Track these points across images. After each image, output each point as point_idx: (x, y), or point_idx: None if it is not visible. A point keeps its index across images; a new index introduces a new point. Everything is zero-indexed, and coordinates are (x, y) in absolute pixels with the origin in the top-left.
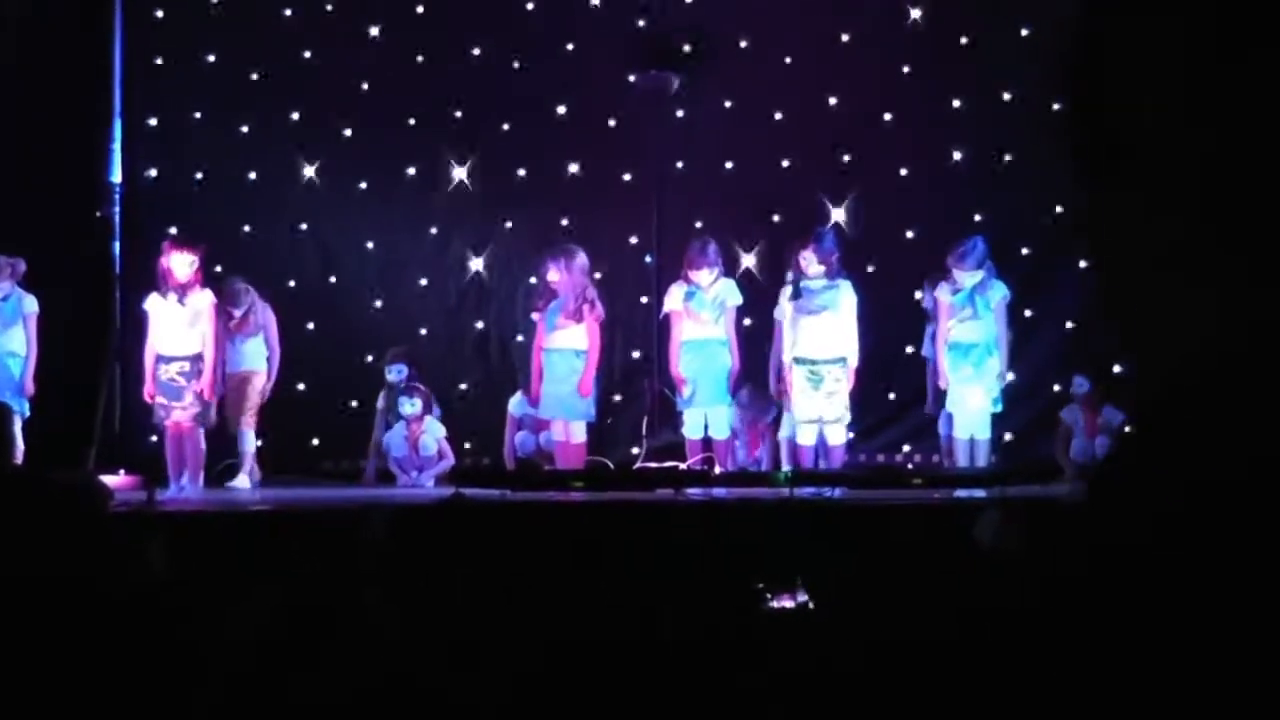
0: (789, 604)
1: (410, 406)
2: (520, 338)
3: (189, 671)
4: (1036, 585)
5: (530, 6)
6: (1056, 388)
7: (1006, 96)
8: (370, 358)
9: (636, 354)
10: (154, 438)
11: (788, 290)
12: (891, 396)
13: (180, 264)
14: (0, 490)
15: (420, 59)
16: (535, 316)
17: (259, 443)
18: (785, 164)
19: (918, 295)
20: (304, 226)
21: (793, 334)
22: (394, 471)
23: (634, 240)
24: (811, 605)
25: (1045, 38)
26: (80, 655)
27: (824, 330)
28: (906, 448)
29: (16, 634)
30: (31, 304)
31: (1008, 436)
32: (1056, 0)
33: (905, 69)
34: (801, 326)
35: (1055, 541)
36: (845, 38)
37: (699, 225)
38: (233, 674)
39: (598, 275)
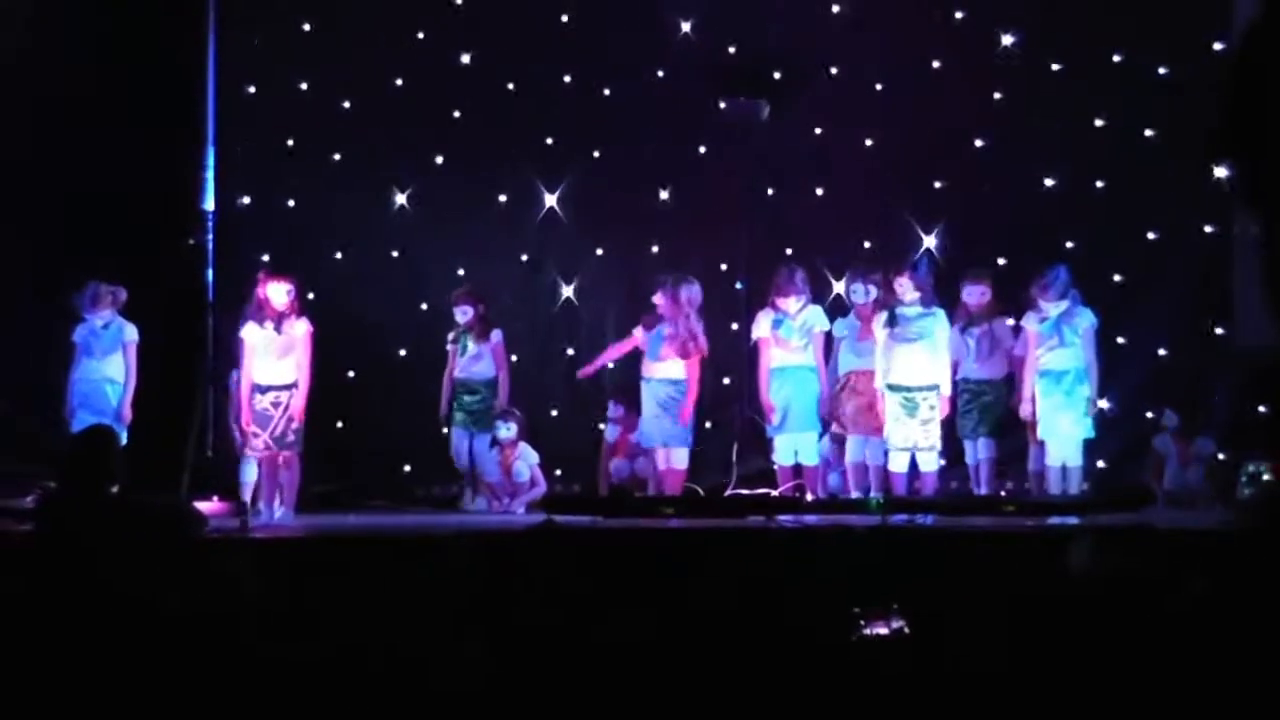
0: (883, 631)
1: (505, 431)
2: (612, 365)
3: (276, 691)
4: (1146, 611)
5: (620, 34)
6: (1149, 414)
7: (1099, 123)
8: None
9: (726, 380)
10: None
11: (882, 317)
12: None
13: (276, 293)
14: (100, 513)
15: (511, 86)
16: (637, 333)
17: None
18: (875, 191)
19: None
20: (395, 254)
21: (886, 361)
22: (486, 497)
23: (724, 267)
24: (905, 632)
25: (1138, 64)
26: (171, 674)
27: (918, 358)
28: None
29: (113, 652)
30: (132, 332)
31: (1100, 464)
32: (1149, 26)
33: (996, 95)
34: (896, 354)
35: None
36: (936, 64)
37: (789, 252)
38: (320, 693)
39: (699, 309)
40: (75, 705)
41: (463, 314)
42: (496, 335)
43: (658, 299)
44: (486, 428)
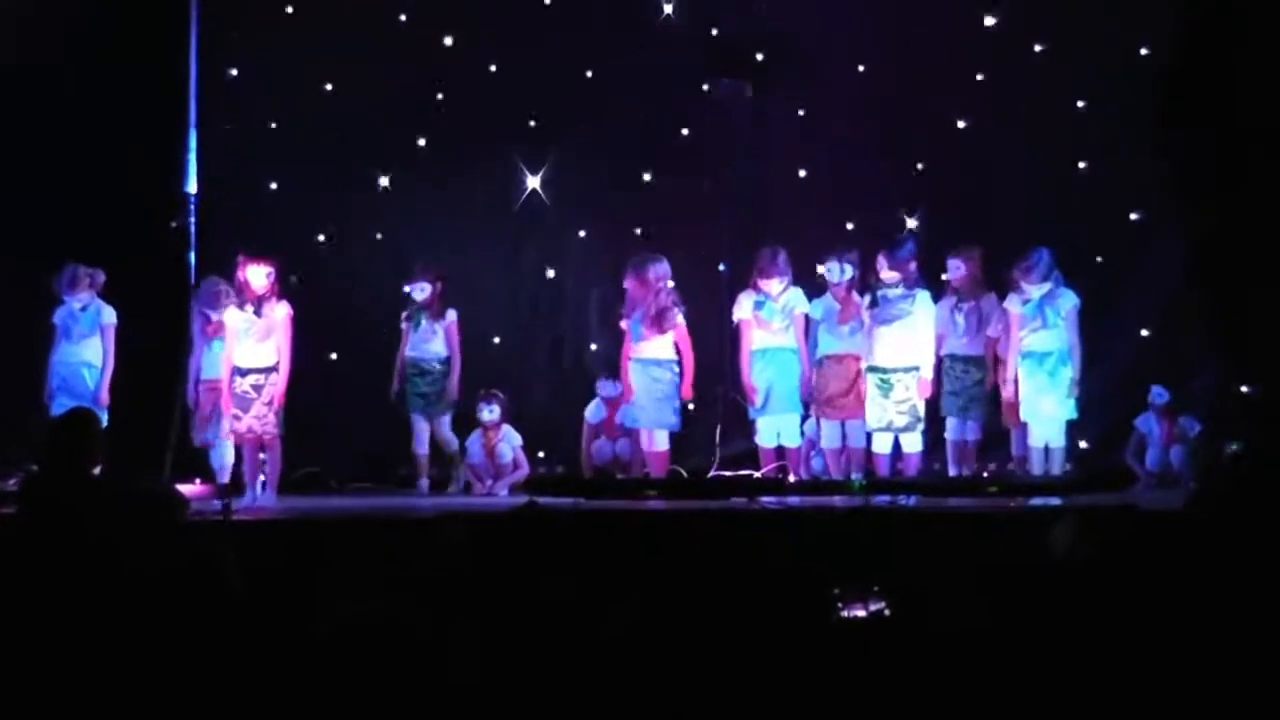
0: (863, 612)
1: (488, 413)
2: (595, 346)
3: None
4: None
5: (603, 16)
6: (1132, 396)
7: (1081, 104)
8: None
9: (708, 362)
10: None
11: (866, 299)
12: None
13: (256, 276)
14: (82, 496)
15: (493, 68)
16: (622, 325)
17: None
18: (858, 172)
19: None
20: (378, 236)
21: (868, 342)
22: (469, 479)
23: (707, 249)
24: (886, 613)
25: (1122, 46)
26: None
27: (898, 339)
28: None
29: (96, 635)
30: (110, 315)
31: (1083, 445)
32: (1134, 8)
33: (979, 76)
34: (877, 335)
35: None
36: (919, 45)
37: (771, 234)
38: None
39: (670, 284)
40: (59, 687)
41: (420, 290)
42: (452, 314)
43: (628, 283)
44: (445, 409)
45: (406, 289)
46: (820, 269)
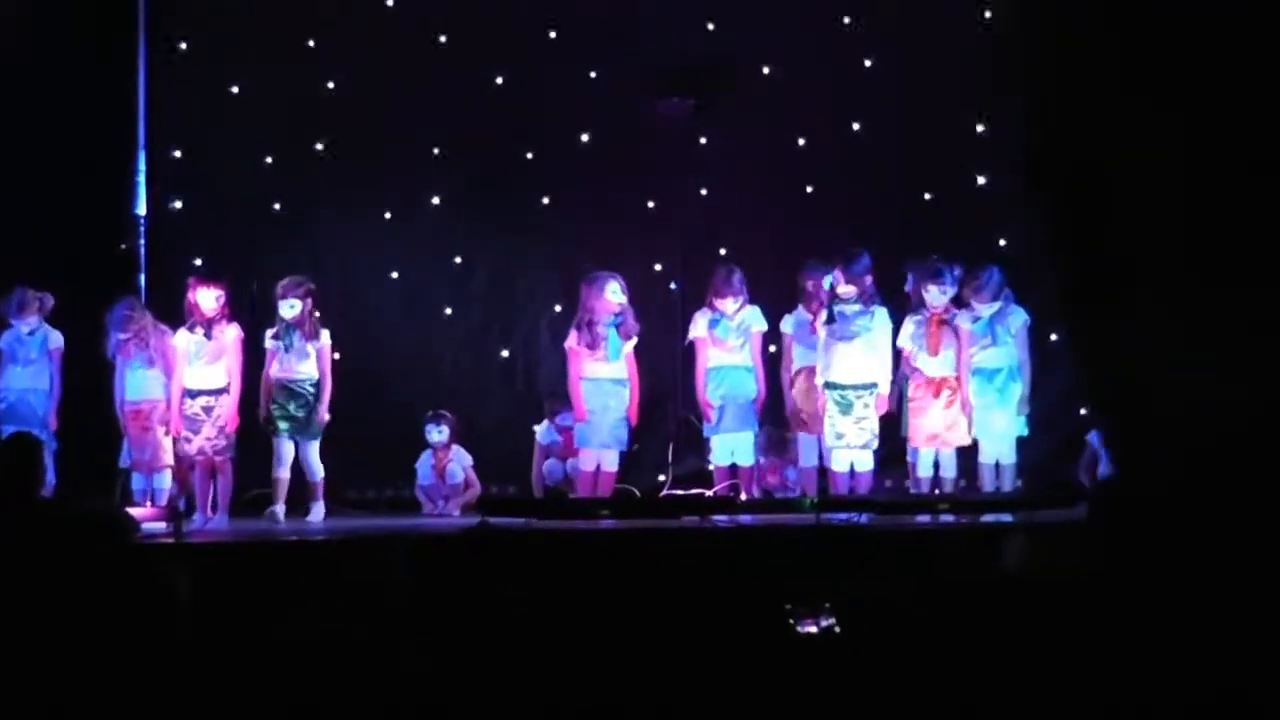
0: (815, 629)
1: (438, 434)
2: (545, 366)
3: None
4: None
5: (552, 35)
6: (1083, 411)
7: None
8: (395, 387)
9: (661, 381)
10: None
11: (823, 315)
12: None
13: (206, 298)
14: (28, 520)
15: (443, 88)
16: (568, 346)
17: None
18: (809, 189)
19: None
20: (328, 257)
21: (826, 358)
22: (420, 500)
23: (658, 267)
24: (838, 630)
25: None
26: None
27: (856, 356)
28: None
29: (41, 658)
30: (57, 340)
31: (1033, 461)
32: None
33: (927, 93)
34: (834, 351)
35: (1062, 561)
36: (868, 63)
37: (723, 252)
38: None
39: (621, 301)
40: (9, 709)
41: (290, 308)
42: (325, 336)
43: (587, 300)
44: (313, 435)
45: (278, 303)
46: (808, 283)
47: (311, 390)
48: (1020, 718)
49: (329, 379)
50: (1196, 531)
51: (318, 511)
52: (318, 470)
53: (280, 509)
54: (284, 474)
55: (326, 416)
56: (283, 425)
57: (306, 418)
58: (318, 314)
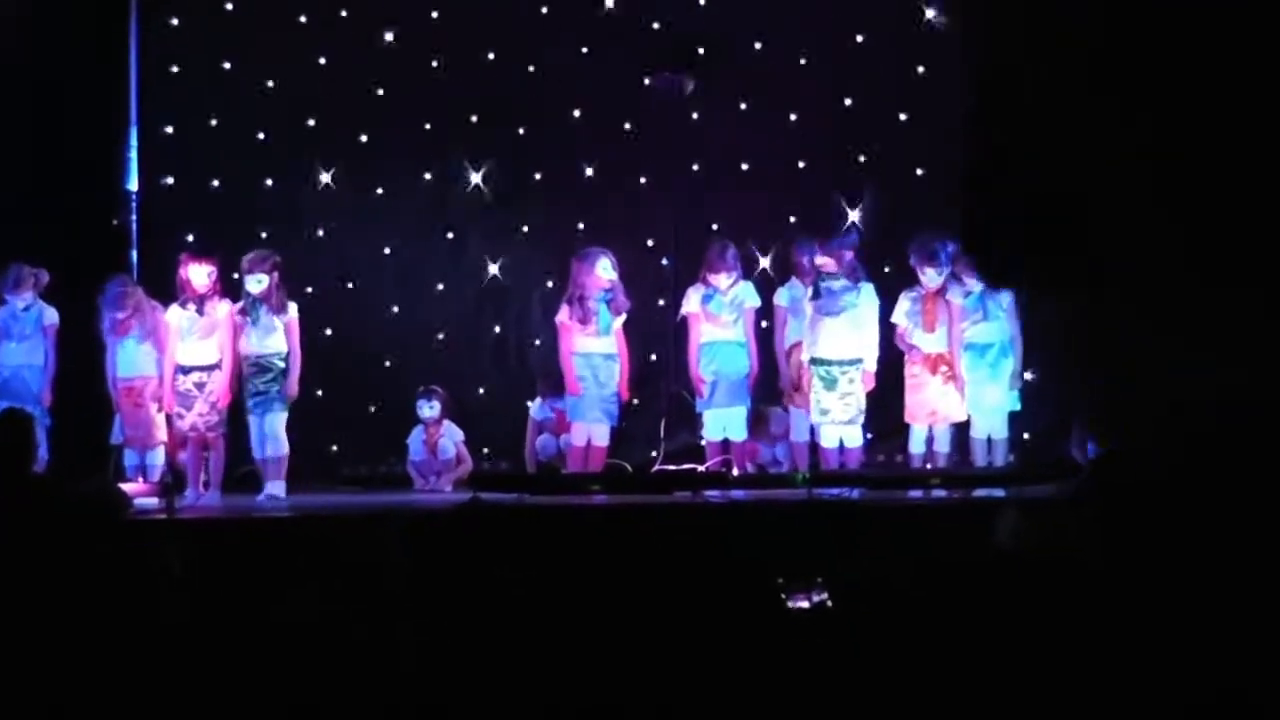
0: (807, 604)
1: (429, 410)
2: (538, 341)
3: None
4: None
5: (544, 10)
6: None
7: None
8: (388, 363)
9: (654, 356)
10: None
11: (809, 290)
12: None
13: (198, 274)
14: (21, 496)
15: (435, 64)
16: (559, 320)
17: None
18: (801, 165)
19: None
20: (321, 232)
21: (812, 334)
22: (412, 475)
23: (650, 243)
24: (830, 605)
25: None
26: (95, 655)
27: (841, 332)
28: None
29: (35, 634)
30: (52, 315)
31: (1026, 436)
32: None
33: (920, 69)
34: (821, 327)
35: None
36: (859, 39)
37: (715, 227)
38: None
39: (612, 277)
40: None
41: (257, 282)
42: (293, 309)
43: (578, 275)
44: (281, 409)
45: (245, 277)
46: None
47: (280, 365)
48: (1013, 693)
49: (298, 352)
50: (1186, 509)
51: (278, 489)
52: (283, 445)
53: (275, 486)
54: (260, 451)
55: (295, 390)
56: (250, 402)
57: (275, 392)
58: (283, 288)
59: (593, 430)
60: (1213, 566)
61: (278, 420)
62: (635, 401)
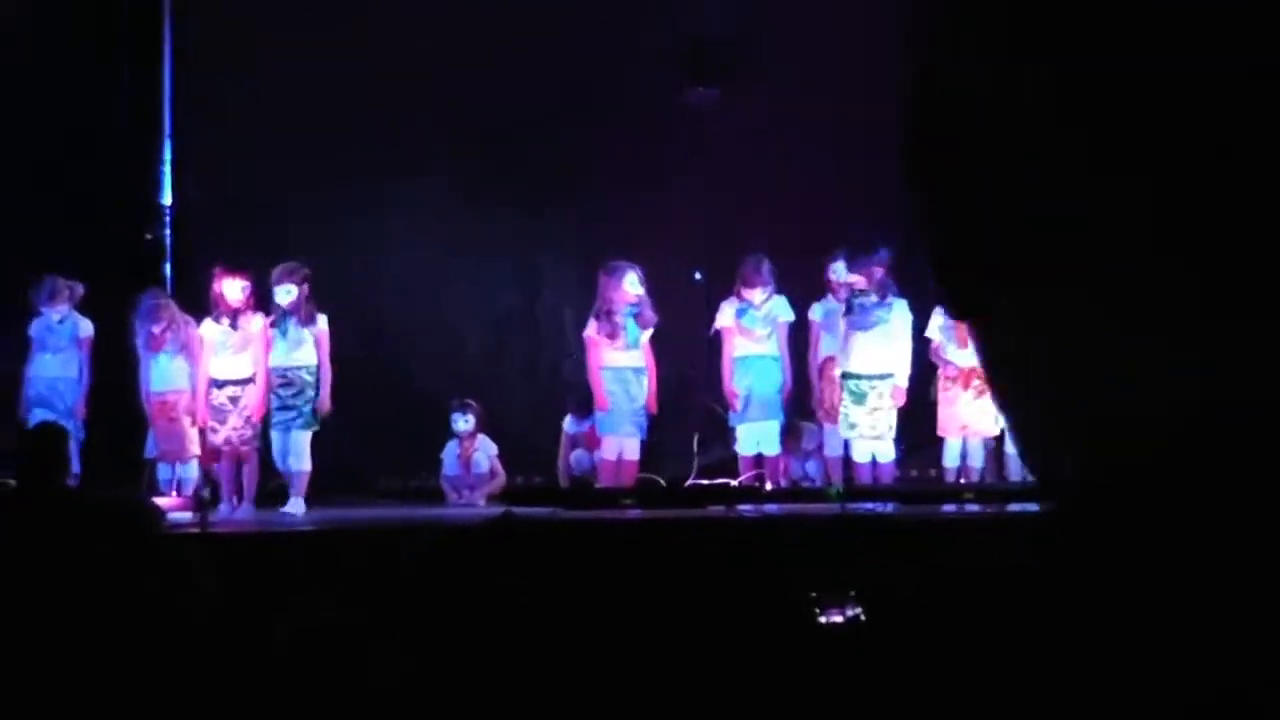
0: (841, 619)
1: (463, 423)
2: (571, 356)
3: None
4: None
5: (577, 23)
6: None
7: None
8: (420, 377)
9: (687, 371)
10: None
11: (842, 306)
12: None
13: (232, 289)
14: (53, 509)
15: (468, 80)
16: (587, 335)
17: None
18: (832, 179)
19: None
20: (352, 246)
21: (844, 349)
22: (446, 490)
23: (683, 257)
24: (864, 620)
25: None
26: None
27: (873, 346)
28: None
29: (67, 648)
30: (87, 328)
31: None
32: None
33: None
34: (852, 341)
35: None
36: (893, 51)
37: (748, 241)
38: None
39: (639, 292)
40: (33, 698)
41: (285, 294)
42: (322, 321)
43: (607, 290)
44: (309, 425)
45: (273, 288)
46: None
47: (309, 379)
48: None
49: (328, 366)
50: (1160, 526)
51: (297, 505)
52: (306, 461)
53: (295, 501)
54: (285, 466)
55: (327, 405)
56: (277, 415)
57: (303, 406)
58: (313, 301)
59: (624, 444)
60: (1197, 572)
61: (302, 437)
62: (668, 415)
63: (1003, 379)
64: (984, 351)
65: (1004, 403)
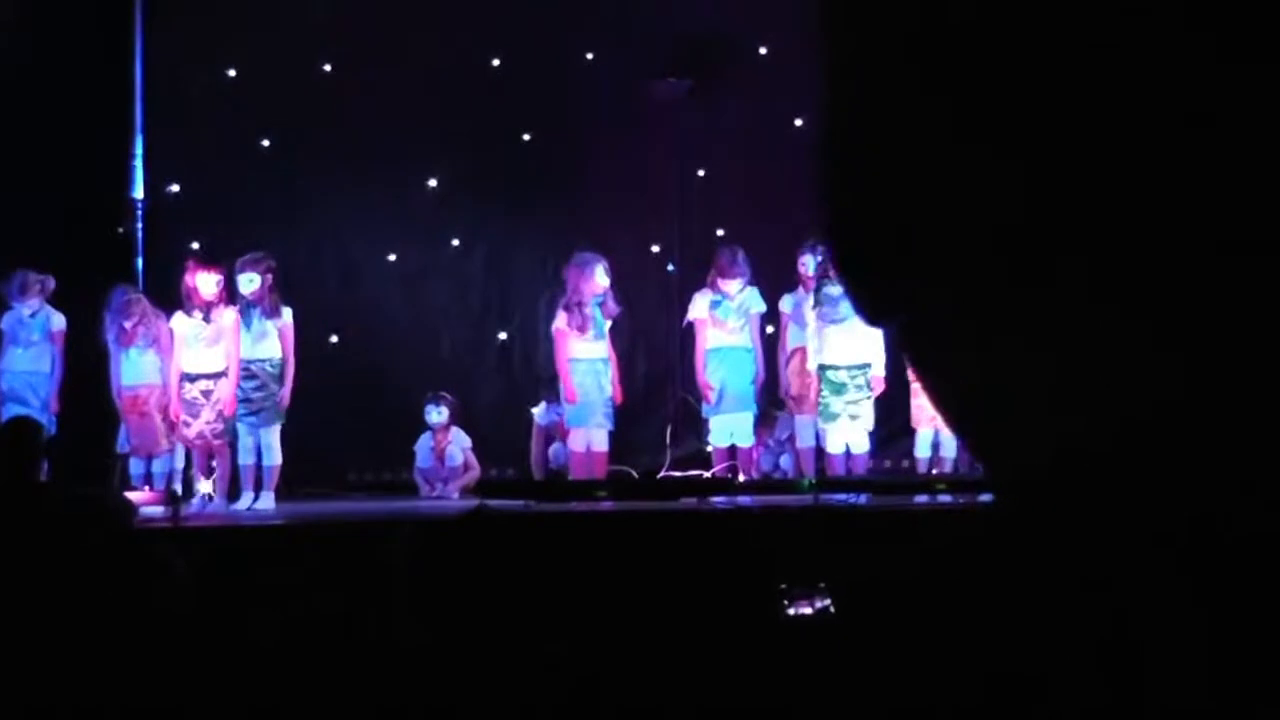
0: (812, 610)
1: (437, 415)
2: (543, 347)
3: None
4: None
5: (548, 16)
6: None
7: None
8: (393, 370)
9: (659, 363)
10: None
11: (810, 298)
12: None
13: (205, 283)
14: (26, 503)
15: (440, 70)
16: (557, 328)
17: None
18: (805, 170)
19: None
20: (326, 240)
21: (818, 341)
22: (419, 482)
23: (655, 249)
24: (835, 611)
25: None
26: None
27: (846, 337)
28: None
29: (40, 643)
30: (60, 321)
31: None
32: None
33: None
34: (825, 334)
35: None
36: None
37: (720, 233)
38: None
39: (606, 284)
40: (5, 696)
41: (249, 282)
42: (287, 314)
43: (577, 282)
44: (274, 419)
45: (236, 277)
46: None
47: (273, 371)
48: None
49: (292, 360)
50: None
51: (267, 500)
52: (276, 455)
53: (251, 496)
54: (251, 460)
55: (287, 400)
56: (241, 410)
57: (264, 400)
58: (277, 293)
59: (592, 436)
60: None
61: (270, 433)
62: (642, 408)
63: (927, 380)
64: (907, 355)
65: (933, 401)
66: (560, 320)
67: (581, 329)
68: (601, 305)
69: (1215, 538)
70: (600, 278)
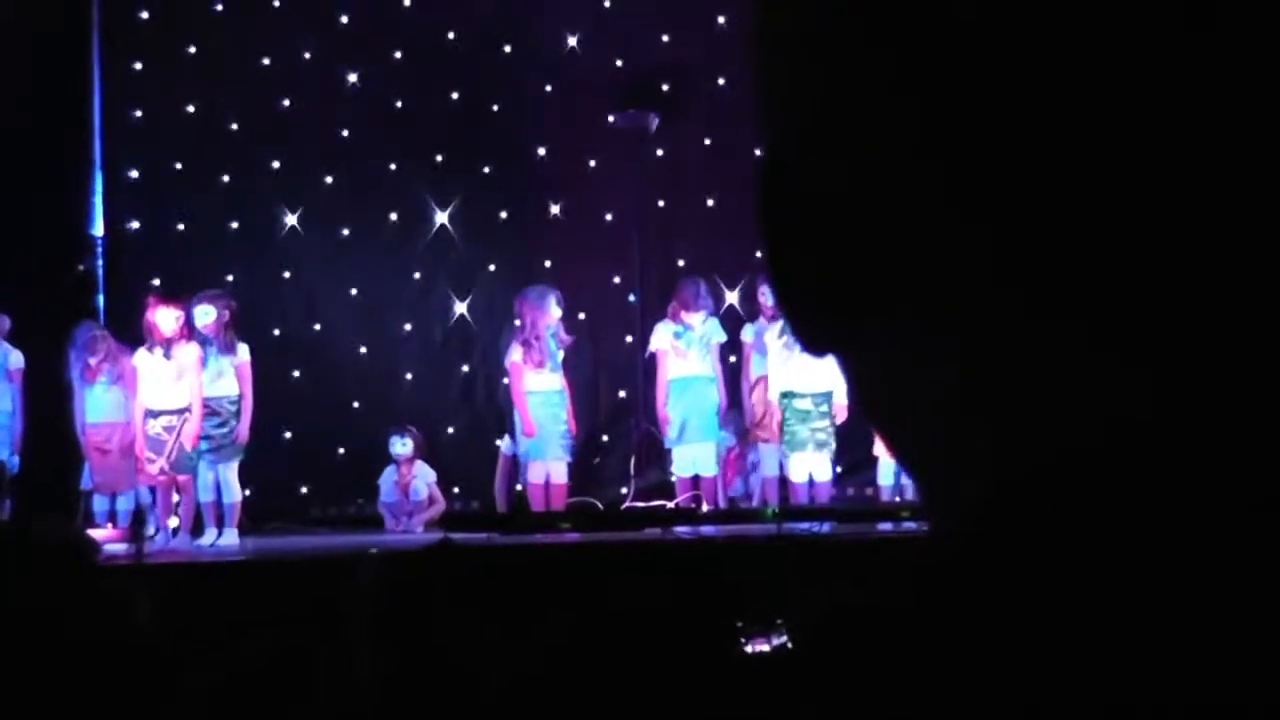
0: (773, 643)
1: (401, 446)
2: (506, 380)
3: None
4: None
5: (508, 49)
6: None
7: None
8: (356, 404)
9: (622, 393)
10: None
11: (775, 327)
12: None
13: (165, 319)
14: None
15: (399, 104)
16: (512, 361)
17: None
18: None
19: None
20: (287, 275)
21: (783, 369)
22: (384, 516)
23: (617, 280)
24: (798, 642)
25: None
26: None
27: (810, 365)
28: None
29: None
30: (17, 359)
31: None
32: None
33: None
34: (789, 361)
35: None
36: None
37: (681, 264)
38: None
39: (581, 316)
40: None
41: (203, 314)
42: (243, 351)
43: (533, 315)
44: (231, 456)
45: (192, 311)
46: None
47: (231, 408)
48: None
49: (250, 398)
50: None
51: (230, 537)
52: (235, 492)
53: (215, 531)
54: (209, 497)
55: (245, 438)
56: (202, 445)
57: (223, 437)
58: (232, 330)
59: (551, 468)
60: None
61: (230, 469)
62: (605, 438)
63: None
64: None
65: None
66: (516, 354)
67: (539, 364)
68: (555, 335)
69: (1187, 554)
70: (554, 309)
